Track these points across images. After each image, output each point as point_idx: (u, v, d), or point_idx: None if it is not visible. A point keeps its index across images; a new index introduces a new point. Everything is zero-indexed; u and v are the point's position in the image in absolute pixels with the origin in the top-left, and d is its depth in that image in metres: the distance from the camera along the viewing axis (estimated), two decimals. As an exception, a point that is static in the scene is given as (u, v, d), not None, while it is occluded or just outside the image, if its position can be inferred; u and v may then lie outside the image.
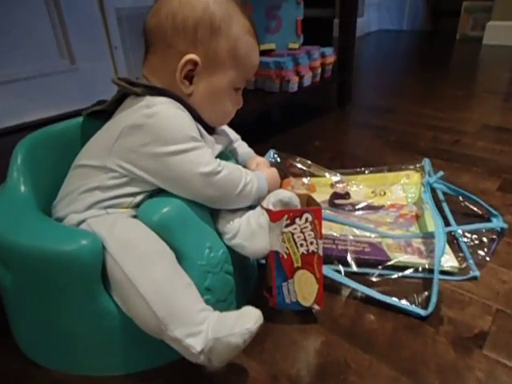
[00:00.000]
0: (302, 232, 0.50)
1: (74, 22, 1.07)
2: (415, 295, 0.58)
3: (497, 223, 0.72)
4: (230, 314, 0.43)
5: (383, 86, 1.78)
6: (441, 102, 1.49)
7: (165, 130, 0.45)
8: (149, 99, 0.48)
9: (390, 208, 0.79)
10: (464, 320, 0.53)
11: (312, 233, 0.50)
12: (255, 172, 0.55)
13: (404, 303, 0.56)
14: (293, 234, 0.50)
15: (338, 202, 0.82)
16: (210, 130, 0.54)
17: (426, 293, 0.57)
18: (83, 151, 0.52)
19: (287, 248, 0.50)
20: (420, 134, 1.19)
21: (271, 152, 0.89)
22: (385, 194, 0.83)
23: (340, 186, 0.87)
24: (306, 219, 0.49)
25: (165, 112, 0.46)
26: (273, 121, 1.44)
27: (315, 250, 0.51)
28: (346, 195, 0.84)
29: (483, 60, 2.22)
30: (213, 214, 0.52)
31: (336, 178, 0.88)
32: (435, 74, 1.91)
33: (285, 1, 1.16)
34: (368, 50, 2.62)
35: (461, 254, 0.65)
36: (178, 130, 0.46)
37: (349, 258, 0.64)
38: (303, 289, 0.53)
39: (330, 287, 0.59)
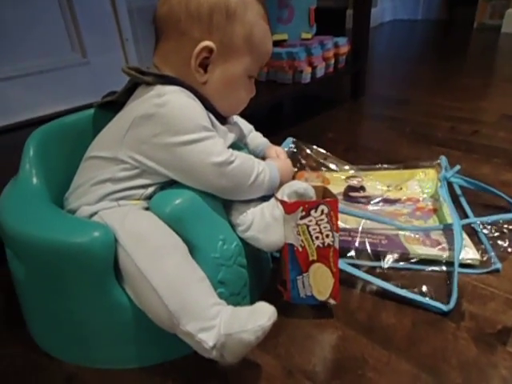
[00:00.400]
0: (317, 224, 0.48)
1: (85, 15, 1.06)
2: (435, 289, 0.56)
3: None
4: (243, 309, 0.42)
5: (398, 77, 1.74)
6: (458, 91, 1.44)
7: (176, 120, 0.44)
8: (159, 88, 0.46)
9: (406, 202, 0.77)
10: (486, 315, 0.52)
11: (328, 225, 0.48)
12: (267, 162, 0.53)
13: (424, 298, 0.54)
14: (308, 227, 0.48)
15: (352, 194, 0.81)
16: (223, 119, 0.53)
17: (447, 287, 0.56)
18: (94, 143, 0.52)
19: (302, 241, 0.49)
20: (437, 125, 1.15)
21: (289, 140, 0.87)
22: (401, 188, 0.81)
23: (355, 180, 0.85)
24: (322, 211, 0.48)
25: (176, 101, 0.45)
26: (285, 112, 1.42)
27: (331, 243, 0.49)
28: (361, 189, 0.82)
29: (502, 49, 2.15)
30: (226, 206, 0.51)
31: (351, 171, 0.87)
32: (452, 64, 1.86)
33: (297, -11, 1.13)
34: (382, 41, 2.56)
35: (482, 247, 0.63)
36: (190, 119, 0.45)
37: (367, 249, 0.62)
38: (318, 283, 0.51)
39: (345, 281, 0.58)
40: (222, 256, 0.48)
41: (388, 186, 0.82)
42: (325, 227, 0.48)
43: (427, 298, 0.54)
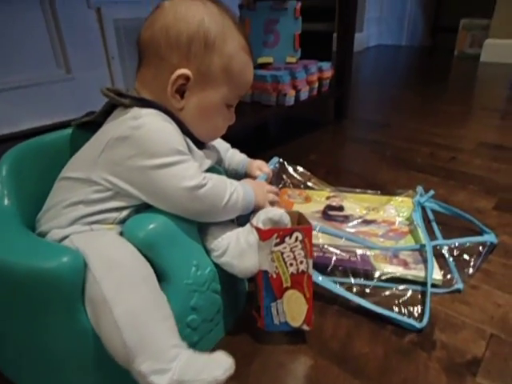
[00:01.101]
0: (291, 251, 0.48)
1: (71, 32, 1.07)
2: (406, 307, 0.58)
3: (488, 238, 0.72)
4: (201, 356, 0.40)
5: (381, 101, 1.78)
6: (438, 117, 1.49)
7: (150, 143, 0.44)
8: (136, 110, 0.47)
9: (381, 223, 0.79)
10: (457, 345, 0.52)
11: (302, 252, 0.48)
12: (241, 182, 0.54)
13: (399, 316, 0.56)
14: (282, 254, 0.48)
15: (331, 213, 0.82)
16: (200, 144, 0.53)
17: (419, 306, 0.58)
18: (69, 163, 0.51)
19: (276, 267, 0.49)
20: (416, 150, 1.18)
21: (275, 159, 0.88)
22: (378, 211, 0.84)
23: (335, 199, 0.88)
24: (296, 238, 0.48)
25: (151, 124, 0.45)
26: (269, 134, 1.43)
27: (305, 270, 0.49)
28: (340, 208, 0.85)
29: (481, 77, 2.24)
30: (201, 231, 0.51)
31: (332, 191, 0.89)
32: (433, 90, 1.92)
33: (283, 15, 1.16)
34: (367, 65, 2.64)
35: (446, 268, 0.65)
36: (164, 142, 0.45)
37: (336, 265, 0.64)
38: (292, 309, 0.51)
39: (319, 306, 0.58)
40: (195, 282, 0.48)
41: (366, 208, 0.84)
42: (299, 254, 0.48)
43: (404, 317, 0.55)
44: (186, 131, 0.50)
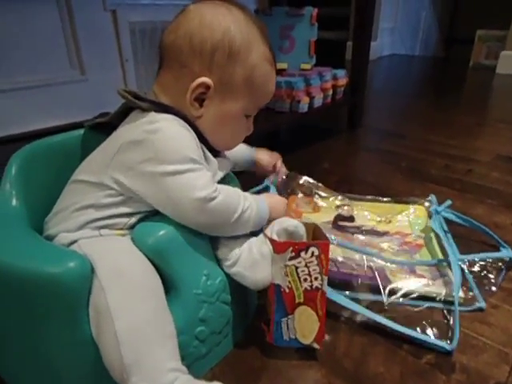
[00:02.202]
0: (306, 266, 0.46)
1: (86, 34, 1.07)
2: (431, 327, 0.55)
3: (506, 253, 0.69)
4: (199, 383, 0.38)
5: (395, 111, 1.76)
6: (453, 129, 1.46)
7: (164, 148, 0.43)
8: (153, 115, 0.45)
9: (394, 235, 0.76)
10: (478, 368, 0.49)
11: (317, 268, 0.46)
12: (257, 197, 0.51)
13: (428, 337, 0.53)
14: (297, 268, 0.46)
15: (342, 223, 0.80)
16: (215, 151, 0.52)
17: (443, 325, 0.55)
18: (81, 166, 0.50)
19: (290, 282, 0.47)
20: (431, 162, 1.15)
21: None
22: (390, 222, 0.81)
23: (345, 208, 0.85)
24: (312, 253, 0.46)
25: (167, 129, 0.44)
26: (282, 141, 1.42)
27: (319, 286, 0.47)
28: (351, 218, 0.82)
29: (496, 89, 2.20)
30: (212, 239, 0.49)
31: (342, 201, 0.86)
32: (447, 101, 1.89)
33: (298, 22, 1.15)
34: (380, 74, 2.62)
35: (467, 285, 0.62)
36: (178, 149, 0.43)
37: (353, 281, 0.61)
38: (303, 326, 0.49)
39: (331, 322, 0.55)
40: (204, 292, 0.46)
41: (377, 218, 0.81)
42: (314, 270, 0.46)
43: (432, 337, 0.52)
44: (202, 139, 0.48)
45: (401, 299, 0.59)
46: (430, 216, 0.79)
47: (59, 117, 1.08)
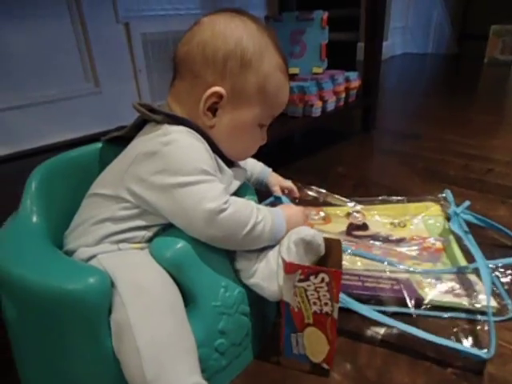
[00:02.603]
0: (316, 291, 0.45)
1: (99, 46, 1.09)
2: (465, 337, 0.53)
3: None
4: None
5: (409, 111, 1.73)
6: (470, 127, 1.43)
7: (176, 160, 0.43)
8: (166, 127, 0.46)
9: (411, 241, 0.74)
10: (507, 378, 0.48)
11: (327, 294, 0.45)
12: (274, 209, 0.50)
13: (464, 346, 0.51)
14: (306, 290, 0.45)
15: (356, 233, 0.78)
16: (229, 162, 0.52)
17: (477, 334, 0.53)
18: (98, 179, 0.51)
19: (299, 302, 0.46)
20: (449, 162, 1.13)
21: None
22: (405, 226, 0.79)
23: (357, 215, 0.82)
24: (322, 279, 0.44)
25: (180, 141, 0.44)
26: (295, 145, 1.41)
27: (329, 312, 0.46)
28: (364, 226, 0.80)
29: (513, 84, 2.15)
30: (230, 251, 0.49)
31: (352, 207, 0.84)
32: (463, 99, 1.86)
33: (309, 26, 1.15)
34: (393, 74, 2.59)
35: (496, 292, 0.60)
36: (190, 161, 0.43)
37: (380, 295, 0.59)
38: (313, 346, 0.48)
39: (353, 333, 0.54)
40: (223, 304, 0.46)
41: (391, 223, 0.79)
42: (324, 295, 0.45)
43: (464, 346, 0.51)
44: (215, 149, 0.48)
45: (429, 311, 0.57)
46: (448, 218, 0.77)
47: (74, 130, 1.10)
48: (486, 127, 1.42)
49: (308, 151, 1.25)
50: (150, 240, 0.46)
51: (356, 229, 0.79)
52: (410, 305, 0.58)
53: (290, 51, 1.16)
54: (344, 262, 0.62)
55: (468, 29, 3.47)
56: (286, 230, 0.49)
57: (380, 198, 0.86)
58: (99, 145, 0.57)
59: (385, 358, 0.51)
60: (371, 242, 0.74)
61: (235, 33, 0.46)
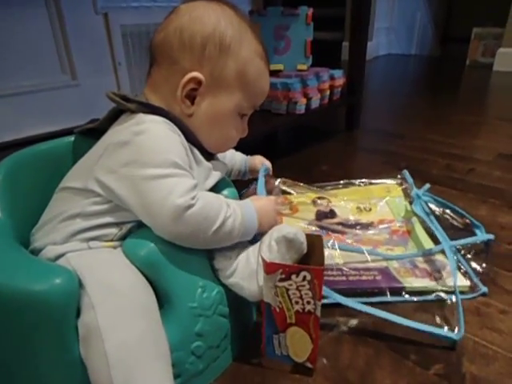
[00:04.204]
0: (298, 289, 0.43)
1: (77, 37, 1.05)
2: (440, 318, 0.56)
3: (483, 236, 0.71)
4: None
5: (392, 111, 1.74)
6: (452, 127, 1.44)
7: (146, 150, 0.41)
8: (141, 116, 0.43)
9: (379, 224, 0.76)
10: (490, 378, 0.47)
11: (309, 292, 0.43)
12: (243, 202, 0.47)
13: (435, 328, 0.52)
14: (287, 290, 0.43)
15: (325, 222, 0.78)
16: (209, 155, 0.49)
17: (450, 315, 0.56)
18: (69, 173, 0.48)
19: (280, 302, 0.44)
20: (432, 161, 1.13)
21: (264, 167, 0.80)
22: (370, 209, 0.81)
23: (322, 202, 0.84)
24: (304, 277, 0.42)
25: (153, 131, 0.42)
26: (279, 143, 1.39)
27: (312, 311, 0.44)
28: (330, 213, 0.81)
29: (494, 86, 2.19)
30: (208, 249, 0.47)
31: (316, 192, 0.85)
32: (445, 99, 1.88)
33: (294, 21, 1.13)
34: (377, 74, 2.60)
35: (463, 270, 0.64)
36: (161, 152, 0.41)
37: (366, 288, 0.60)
38: (296, 346, 0.47)
39: (336, 333, 0.53)
40: (200, 305, 0.44)
41: (357, 208, 0.82)
42: (306, 294, 0.43)
43: (434, 327, 0.52)
44: (194, 141, 0.46)
45: (409, 297, 0.60)
46: (410, 201, 0.80)
47: (51, 123, 1.06)
48: (468, 127, 1.44)
49: (291, 149, 1.24)
50: (123, 238, 0.43)
51: (324, 217, 0.80)
52: (388, 294, 0.60)
53: (275, 46, 1.15)
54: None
55: (451, 31, 3.53)
56: (258, 221, 0.46)
57: (342, 181, 0.89)
58: (71, 138, 0.54)
59: (367, 358, 0.50)
60: (341, 228, 0.75)
61: (213, 17, 0.44)
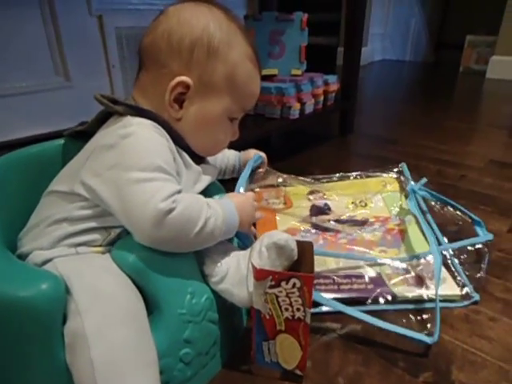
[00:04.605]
0: (287, 296, 0.43)
1: (71, 39, 1.04)
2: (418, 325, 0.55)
3: (484, 236, 0.70)
4: None
5: (386, 116, 1.75)
6: (444, 134, 1.45)
7: (132, 154, 0.40)
8: (128, 119, 0.43)
9: (375, 222, 0.76)
10: (478, 386, 0.47)
11: (299, 299, 0.43)
12: (221, 201, 0.47)
13: (409, 331, 0.52)
14: (277, 297, 0.43)
15: (320, 218, 0.77)
16: (199, 159, 0.49)
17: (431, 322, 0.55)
18: (57, 176, 0.48)
19: (270, 309, 0.44)
20: (424, 167, 1.14)
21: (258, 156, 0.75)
22: (366, 204, 0.80)
23: (317, 195, 0.82)
24: (294, 284, 0.42)
25: (140, 134, 0.41)
26: (272, 147, 1.39)
27: (302, 318, 0.44)
28: (326, 207, 0.80)
29: (486, 93, 2.21)
30: (198, 254, 0.46)
31: (311, 185, 0.84)
32: (438, 106, 1.89)
33: (289, 27, 1.13)
34: (371, 80, 2.62)
35: (457, 278, 0.63)
36: (146, 155, 0.40)
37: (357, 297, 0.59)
38: (285, 353, 0.46)
39: (325, 340, 0.53)
40: (189, 312, 0.43)
41: (353, 203, 0.81)
42: (296, 301, 0.43)
43: (410, 331, 0.52)
44: (182, 144, 0.46)
45: (399, 305, 0.59)
46: (406, 196, 0.79)
47: (44, 125, 1.05)
48: (460, 134, 1.45)
49: (285, 153, 1.24)
50: (111, 243, 0.43)
51: (319, 212, 0.79)
52: (382, 301, 0.59)
53: (269, 51, 1.15)
54: (316, 263, 0.62)
55: (445, 38, 3.56)
56: (239, 219, 0.46)
57: (338, 174, 0.87)
58: (61, 141, 0.54)
59: (356, 366, 0.50)
60: (334, 225, 0.75)
61: (202, 20, 0.44)
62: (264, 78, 1.15)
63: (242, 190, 0.56)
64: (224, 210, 0.44)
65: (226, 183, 0.61)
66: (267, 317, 0.44)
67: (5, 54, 0.96)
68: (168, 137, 0.44)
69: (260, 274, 0.42)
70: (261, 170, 0.67)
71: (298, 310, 0.43)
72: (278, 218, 0.79)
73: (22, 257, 0.44)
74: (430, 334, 0.52)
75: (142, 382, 0.35)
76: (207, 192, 0.51)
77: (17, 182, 0.50)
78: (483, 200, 0.93)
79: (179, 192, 0.41)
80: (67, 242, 0.42)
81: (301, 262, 0.47)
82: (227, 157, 0.65)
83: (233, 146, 0.66)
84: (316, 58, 1.39)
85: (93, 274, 0.39)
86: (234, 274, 0.45)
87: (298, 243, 0.46)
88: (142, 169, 0.39)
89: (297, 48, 1.16)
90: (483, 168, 1.13)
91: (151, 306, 0.42)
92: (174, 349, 0.42)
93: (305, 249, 0.47)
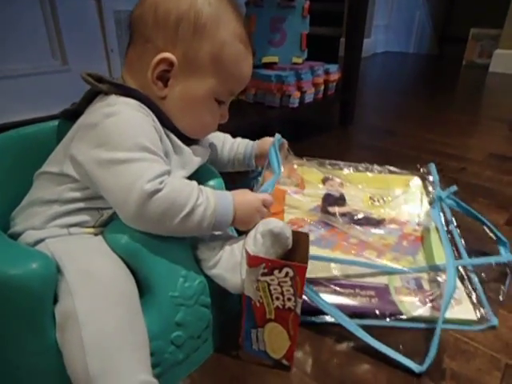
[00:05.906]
0: (279, 285, 0.42)
1: (69, 22, 1.02)
2: (414, 346, 0.50)
3: (505, 256, 0.64)
4: None
5: (387, 108, 1.74)
6: (446, 127, 1.44)
7: (116, 133, 0.39)
8: (113, 98, 0.42)
9: (391, 224, 0.69)
10: (469, 375, 0.47)
11: (291, 289, 0.42)
12: (218, 193, 0.45)
13: (397, 354, 0.48)
14: (269, 285, 0.43)
15: (332, 210, 0.71)
16: (189, 140, 0.48)
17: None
18: (49, 157, 0.47)
19: (261, 297, 0.44)
20: (424, 160, 1.12)
21: (278, 136, 0.70)
22: (384, 203, 0.73)
23: (333, 182, 0.76)
24: (287, 273, 0.42)
25: (124, 113, 0.41)
26: (271, 136, 1.38)
27: (292, 308, 0.43)
28: (341, 199, 0.74)
29: (489, 87, 2.19)
30: (192, 238, 0.46)
31: (329, 170, 0.77)
32: (440, 99, 1.88)
33: (290, 14, 1.12)
34: (374, 71, 2.59)
35: (474, 297, 0.56)
36: (131, 135, 0.40)
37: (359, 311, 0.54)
38: (273, 341, 0.46)
39: (319, 328, 0.53)
40: (182, 295, 0.43)
41: (371, 198, 0.74)
42: (287, 290, 0.42)
43: (400, 355, 0.48)
44: (169, 125, 0.45)
45: (403, 322, 0.54)
46: (430, 202, 0.71)
47: (41, 108, 1.04)
48: (462, 127, 1.44)
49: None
50: (104, 224, 0.43)
51: (333, 203, 0.72)
52: (386, 318, 0.54)
53: (270, 38, 1.13)
54: (321, 267, 0.58)
55: (449, 31, 3.52)
56: (234, 218, 0.44)
57: (363, 164, 0.80)
58: (55, 122, 0.53)
59: (348, 353, 0.50)
60: (348, 223, 0.68)
61: None
62: (264, 65, 1.14)
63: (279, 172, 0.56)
64: (217, 202, 0.43)
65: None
66: (257, 304, 0.44)
67: (2, 36, 0.94)
68: (154, 117, 0.43)
69: (253, 261, 0.42)
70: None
71: (289, 299, 0.43)
72: (286, 207, 0.71)
73: (15, 236, 0.43)
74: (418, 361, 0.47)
75: (132, 363, 0.35)
76: (202, 177, 0.50)
77: (11, 162, 0.49)
78: (482, 193, 0.93)
79: (168, 173, 0.40)
80: (59, 222, 0.42)
81: (295, 251, 0.46)
82: (237, 145, 0.62)
83: (232, 133, 0.65)
84: (318, 49, 1.38)
85: (85, 256, 0.39)
86: (227, 259, 0.45)
87: (294, 233, 0.46)
88: (127, 149, 0.39)
89: (298, 36, 1.14)
90: (483, 161, 1.12)
91: (143, 289, 0.42)
92: (166, 331, 0.42)
93: (300, 238, 0.47)
